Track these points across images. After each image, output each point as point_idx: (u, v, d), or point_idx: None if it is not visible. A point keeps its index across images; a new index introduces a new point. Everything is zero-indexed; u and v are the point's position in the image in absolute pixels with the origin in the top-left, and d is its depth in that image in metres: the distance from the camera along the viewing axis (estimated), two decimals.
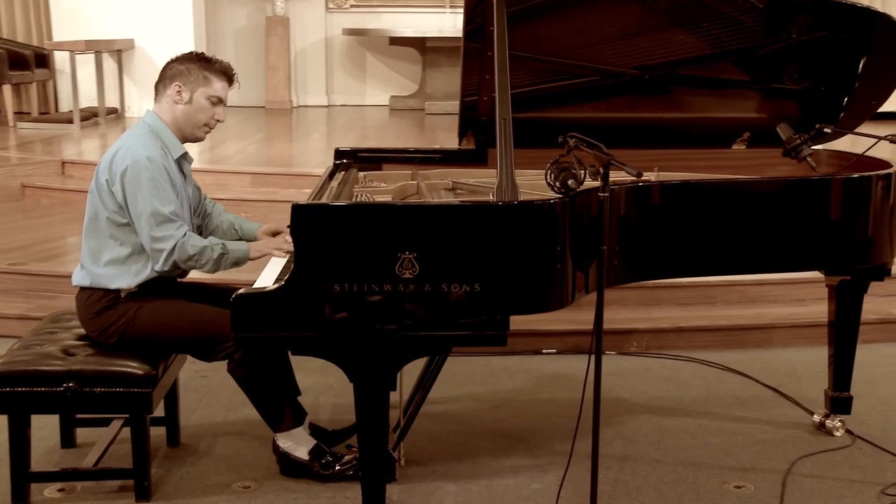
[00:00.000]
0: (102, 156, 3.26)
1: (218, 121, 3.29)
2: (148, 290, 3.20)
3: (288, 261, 3.14)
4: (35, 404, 3.08)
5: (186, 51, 3.40)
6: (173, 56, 3.31)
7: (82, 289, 3.25)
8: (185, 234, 3.12)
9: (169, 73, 3.24)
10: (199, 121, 3.25)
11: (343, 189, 3.32)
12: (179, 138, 3.26)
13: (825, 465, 3.47)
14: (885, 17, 3.60)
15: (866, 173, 3.27)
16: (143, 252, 3.16)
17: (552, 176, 2.97)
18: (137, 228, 3.13)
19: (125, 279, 3.17)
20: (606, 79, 3.86)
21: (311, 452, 3.31)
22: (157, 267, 3.14)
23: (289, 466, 3.33)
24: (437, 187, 3.58)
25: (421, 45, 10.70)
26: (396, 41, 10.87)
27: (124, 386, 3.08)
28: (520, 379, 4.33)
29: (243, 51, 11.31)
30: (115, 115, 9.98)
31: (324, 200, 3.14)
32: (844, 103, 3.82)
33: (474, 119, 3.73)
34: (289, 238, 3.30)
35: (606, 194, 2.76)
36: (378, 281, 2.67)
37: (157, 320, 3.17)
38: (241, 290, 2.70)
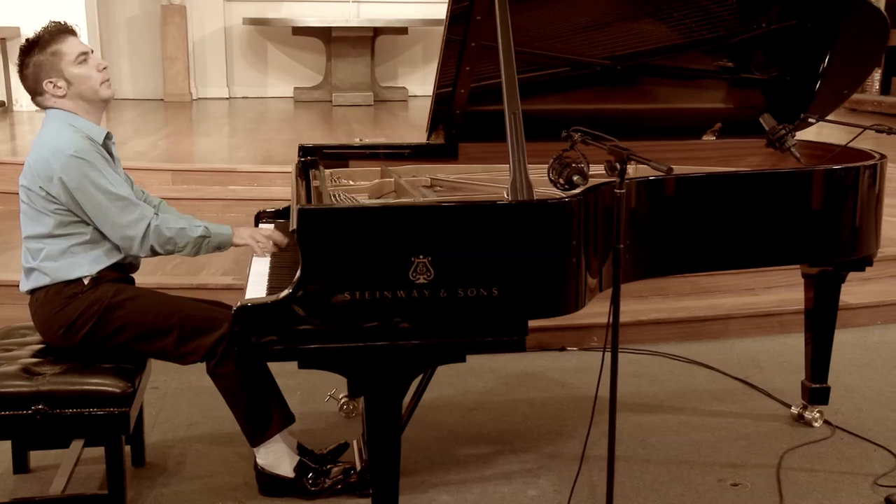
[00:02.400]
0: (25, 164, 2.98)
1: (103, 67, 3.02)
2: (118, 278, 3.01)
3: (278, 266, 2.95)
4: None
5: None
6: (14, 62, 3.04)
7: (36, 290, 3.00)
8: (152, 214, 2.95)
9: (31, 81, 2.96)
10: (93, 85, 2.97)
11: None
12: (95, 115, 3.02)
13: (813, 458, 3.46)
14: (853, 6, 3.59)
15: (866, 163, 3.25)
16: (102, 241, 2.96)
17: (555, 172, 2.87)
18: (98, 222, 2.91)
19: (84, 267, 2.95)
20: (578, 70, 3.76)
21: (295, 469, 3.12)
22: (134, 252, 2.96)
23: (270, 485, 3.13)
24: (416, 184, 3.42)
25: (326, 35, 10.45)
26: (300, 31, 10.58)
27: (99, 406, 2.83)
28: (487, 379, 4.21)
29: (138, 41, 10.89)
30: (3, 108, 9.43)
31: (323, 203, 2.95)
32: (814, 92, 3.80)
33: (447, 112, 3.57)
34: (270, 235, 3.16)
35: (623, 191, 2.66)
36: (391, 287, 2.51)
37: (137, 306, 2.96)
38: (243, 301, 2.50)
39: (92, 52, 3.01)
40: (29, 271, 2.99)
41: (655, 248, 3.02)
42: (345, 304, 2.50)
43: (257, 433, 3.07)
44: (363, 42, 10.40)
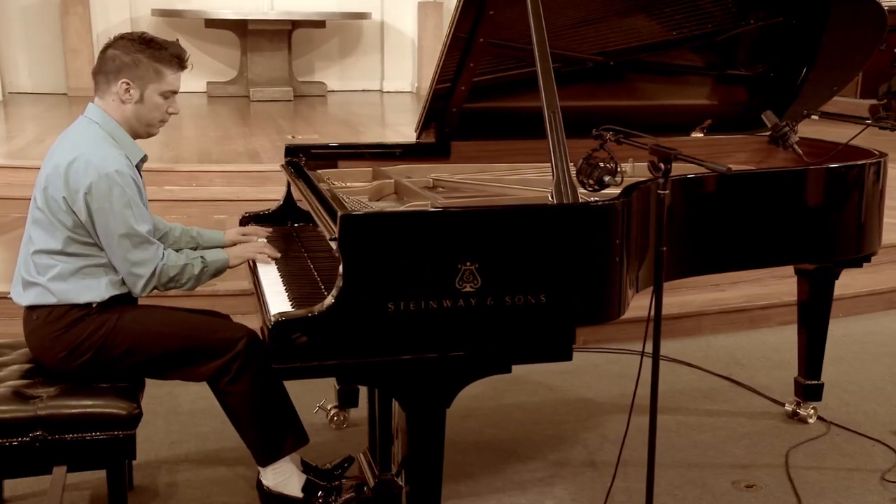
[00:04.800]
0: (46, 160, 2.76)
1: (172, 114, 2.86)
2: (123, 299, 2.78)
3: (290, 275, 2.78)
4: None
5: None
6: (111, 39, 2.81)
7: (37, 307, 2.75)
8: (163, 255, 2.74)
9: (112, 66, 2.74)
10: (154, 119, 2.81)
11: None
12: (131, 136, 2.82)
13: (817, 456, 3.46)
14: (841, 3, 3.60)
15: (872, 159, 3.25)
16: (111, 265, 2.73)
17: (584, 173, 2.77)
18: (108, 250, 2.69)
19: (96, 291, 2.72)
20: (568, 66, 3.66)
21: (304, 488, 2.94)
22: (136, 292, 2.75)
23: None
24: (418, 185, 3.28)
25: (241, 29, 10.15)
26: (213, 24, 10.25)
27: (104, 429, 2.61)
28: (473, 385, 4.07)
29: (35, 32, 10.41)
30: None
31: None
32: (799, 88, 3.80)
33: (443, 109, 3.44)
34: (263, 240, 3.07)
35: (667, 191, 2.58)
36: (437, 296, 2.37)
37: (144, 328, 2.74)
38: (280, 315, 2.33)
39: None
40: (30, 285, 2.74)
41: (679, 249, 2.95)
42: (388, 315, 2.35)
43: (268, 454, 2.88)
44: (280, 35, 10.14)
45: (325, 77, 11.11)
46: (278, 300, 2.61)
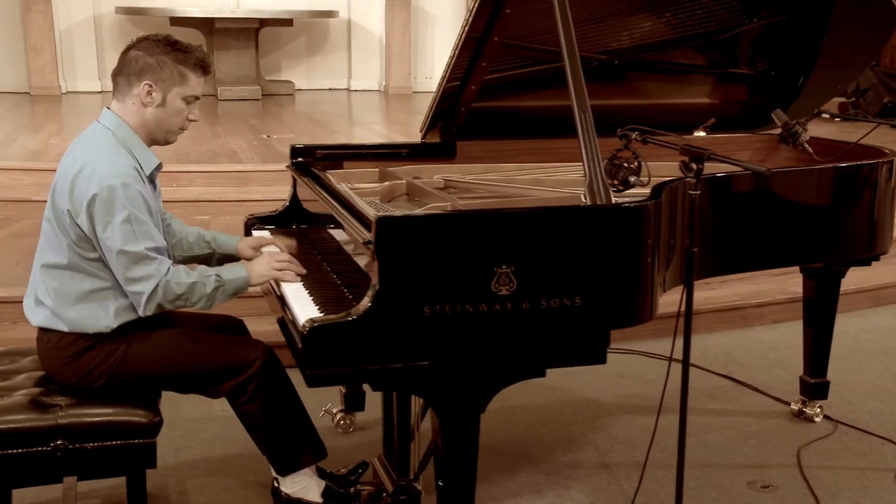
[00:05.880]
0: (59, 168, 2.63)
1: (193, 121, 2.73)
2: (133, 325, 2.66)
3: (310, 278, 2.71)
4: (16, 473, 2.49)
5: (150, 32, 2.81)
6: (134, 40, 2.69)
7: (45, 330, 2.67)
8: (167, 270, 2.56)
9: (135, 67, 2.61)
10: (174, 125, 2.68)
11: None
12: (147, 142, 2.69)
13: (828, 455, 3.46)
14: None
15: (884, 158, 3.26)
16: (120, 285, 2.60)
17: (609, 173, 2.74)
18: (111, 265, 2.56)
19: (104, 320, 2.61)
20: None
21: (323, 495, 2.88)
22: (140, 311, 2.58)
23: None
24: (430, 186, 3.23)
25: (207, 27, 10.00)
26: (178, 21, 10.07)
27: (124, 438, 2.55)
28: None
29: None
30: None
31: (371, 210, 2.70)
32: (801, 85, 3.81)
33: (451, 109, 3.40)
34: (288, 259, 2.82)
35: (699, 192, 2.56)
36: (472, 300, 2.32)
37: (155, 355, 2.65)
38: (312, 321, 2.26)
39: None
40: (40, 304, 2.64)
41: (701, 249, 2.92)
42: (424, 319, 2.29)
43: (288, 466, 2.81)
44: (247, 34, 10.01)
45: (292, 76, 10.99)
46: (304, 305, 2.54)
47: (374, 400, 3.34)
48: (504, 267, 2.33)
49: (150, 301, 2.54)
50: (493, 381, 2.43)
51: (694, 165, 2.54)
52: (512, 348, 2.39)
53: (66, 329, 2.61)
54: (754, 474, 3.31)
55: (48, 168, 5.70)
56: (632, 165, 2.76)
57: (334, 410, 3.58)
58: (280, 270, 2.74)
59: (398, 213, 2.64)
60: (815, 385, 3.73)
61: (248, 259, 2.91)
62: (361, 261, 2.67)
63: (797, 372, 3.83)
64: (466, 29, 3.06)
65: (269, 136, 7.30)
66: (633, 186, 2.75)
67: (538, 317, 2.38)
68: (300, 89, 10.85)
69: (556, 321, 2.40)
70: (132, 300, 2.58)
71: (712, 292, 4.92)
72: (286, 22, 10.40)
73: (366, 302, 2.28)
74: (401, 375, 2.34)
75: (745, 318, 4.80)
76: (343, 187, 2.91)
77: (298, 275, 2.75)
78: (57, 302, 2.61)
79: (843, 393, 4.02)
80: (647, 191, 2.70)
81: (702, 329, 4.74)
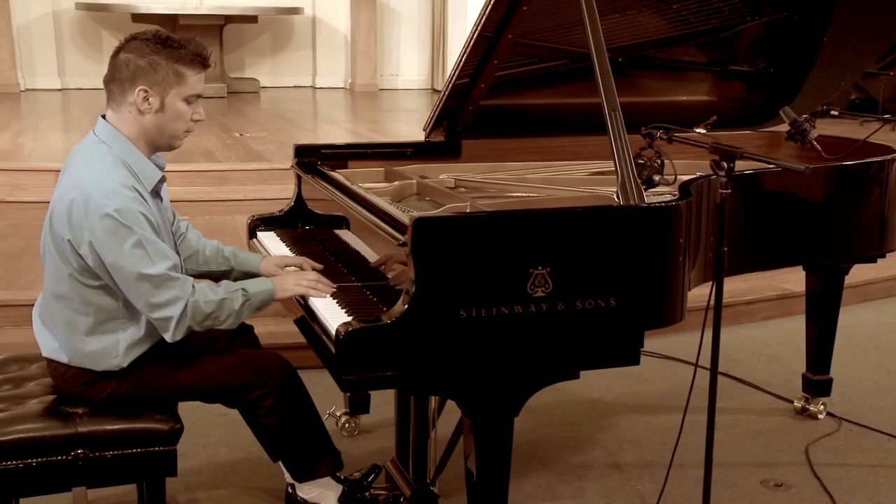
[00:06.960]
0: (55, 191, 2.44)
1: (198, 121, 2.55)
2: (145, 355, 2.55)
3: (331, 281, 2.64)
4: (34, 482, 2.41)
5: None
6: (123, 41, 2.46)
7: (54, 360, 2.55)
8: (192, 289, 2.41)
9: (126, 72, 2.39)
10: (178, 129, 2.47)
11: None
12: (150, 151, 2.51)
13: (837, 452, 3.47)
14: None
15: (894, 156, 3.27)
16: (128, 315, 2.46)
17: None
18: (129, 296, 2.40)
19: (114, 358, 2.48)
20: (575, 63, 3.60)
21: (340, 500, 2.82)
22: (169, 338, 2.43)
23: None
24: (441, 185, 3.17)
25: (171, 24, 9.80)
26: (140, 18, 9.89)
27: (145, 445, 2.47)
28: None
29: None
30: None
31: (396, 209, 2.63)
32: (800, 84, 3.81)
33: (458, 108, 3.35)
34: (317, 277, 2.64)
35: (729, 191, 2.54)
36: (508, 302, 2.28)
37: (169, 381, 2.56)
38: (347, 326, 2.20)
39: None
40: (46, 330, 2.53)
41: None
42: (460, 321, 2.24)
43: (304, 474, 2.75)
44: (212, 31, 9.87)
45: (256, 73, 10.87)
46: (331, 310, 2.47)
47: (378, 403, 3.27)
48: (540, 268, 2.29)
49: (179, 325, 2.39)
50: (527, 383, 2.38)
51: (725, 164, 2.51)
52: (547, 350, 2.35)
53: (74, 364, 2.50)
54: (766, 473, 3.31)
55: (20, 168, 5.58)
56: (655, 164, 2.73)
57: (338, 413, 3.52)
58: (310, 287, 2.58)
59: (430, 214, 2.58)
60: (818, 382, 3.74)
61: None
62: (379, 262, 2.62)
63: (794, 368, 3.85)
64: (480, 26, 3.01)
65: (242, 135, 7.20)
66: (656, 185, 2.72)
67: (573, 318, 2.34)
68: (265, 87, 10.74)
69: (590, 322, 2.36)
70: (158, 327, 2.43)
71: (699, 289, 4.90)
72: (251, 18, 10.29)
73: (400, 305, 2.22)
74: (436, 379, 2.29)
75: (735, 316, 4.81)
76: (358, 188, 2.85)
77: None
78: (68, 335, 2.47)
79: (843, 389, 4.03)
80: (669, 189, 2.69)
81: (691, 326, 4.71)
